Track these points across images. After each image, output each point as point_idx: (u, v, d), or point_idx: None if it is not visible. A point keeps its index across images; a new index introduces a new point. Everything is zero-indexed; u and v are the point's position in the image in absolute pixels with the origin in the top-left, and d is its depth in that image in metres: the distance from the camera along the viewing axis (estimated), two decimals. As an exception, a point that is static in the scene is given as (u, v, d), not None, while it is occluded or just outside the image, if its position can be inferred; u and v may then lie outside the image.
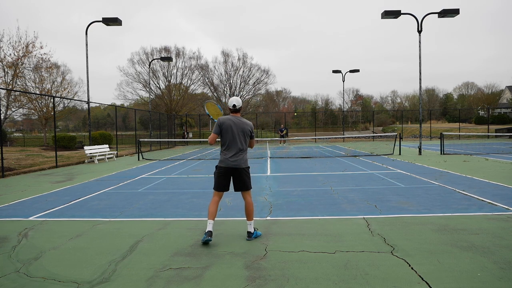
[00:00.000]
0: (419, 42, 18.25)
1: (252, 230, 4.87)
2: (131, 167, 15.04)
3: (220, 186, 4.81)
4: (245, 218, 4.99)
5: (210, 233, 4.64)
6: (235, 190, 4.95)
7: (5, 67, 28.73)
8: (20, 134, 52.73)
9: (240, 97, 42.95)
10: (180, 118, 42.54)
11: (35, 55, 30.43)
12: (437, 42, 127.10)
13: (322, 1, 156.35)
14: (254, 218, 5.10)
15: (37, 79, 33.25)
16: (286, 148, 26.18)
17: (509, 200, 6.99)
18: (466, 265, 3.85)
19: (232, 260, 4.16)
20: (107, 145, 20.35)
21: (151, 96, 36.47)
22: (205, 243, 4.64)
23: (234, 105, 4.81)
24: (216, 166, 4.85)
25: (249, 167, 4.94)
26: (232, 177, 4.83)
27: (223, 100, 44.19)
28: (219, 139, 4.89)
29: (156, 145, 28.73)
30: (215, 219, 5.04)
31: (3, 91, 28.04)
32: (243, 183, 4.84)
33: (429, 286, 3.37)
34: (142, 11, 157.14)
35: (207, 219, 4.77)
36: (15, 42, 30.48)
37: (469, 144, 27.06)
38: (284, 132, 31.67)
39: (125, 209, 6.97)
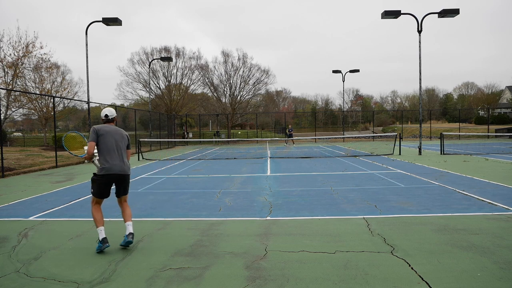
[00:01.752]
0: (419, 42, 18.25)
1: (133, 231, 4.69)
2: (131, 167, 15.04)
3: (104, 193, 4.75)
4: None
5: (105, 240, 4.47)
6: (118, 196, 4.90)
7: (5, 67, 28.72)
8: (20, 134, 52.73)
9: (240, 97, 42.91)
10: (180, 118, 42.53)
11: (35, 55, 30.42)
12: (437, 42, 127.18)
13: (322, 1, 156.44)
14: (254, 218, 5.17)
15: (37, 79, 33.27)
16: (287, 148, 26.18)
17: (509, 200, 6.99)
18: (466, 265, 3.85)
19: (232, 260, 4.16)
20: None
21: (151, 96, 36.48)
22: (102, 251, 4.49)
23: (106, 115, 4.83)
24: (97, 174, 4.66)
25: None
26: (116, 183, 4.78)
27: (223, 100, 44.20)
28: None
29: (156, 145, 28.72)
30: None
31: (3, 91, 28.04)
32: (125, 189, 4.86)
33: (429, 286, 3.37)
34: (141, 11, 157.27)
35: (96, 227, 4.58)
36: (15, 42, 30.36)
37: (469, 144, 27.07)
38: (290, 133, 31.69)
39: (125, 209, 6.96)
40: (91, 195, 4.73)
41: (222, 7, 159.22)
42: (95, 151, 4.70)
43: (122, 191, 4.86)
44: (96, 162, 4.76)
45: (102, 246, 4.45)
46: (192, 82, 43.24)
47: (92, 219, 4.68)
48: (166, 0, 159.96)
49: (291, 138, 29.88)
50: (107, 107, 5.20)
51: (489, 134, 35.94)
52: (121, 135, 4.82)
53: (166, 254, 4.40)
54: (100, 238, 4.48)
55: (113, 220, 6.16)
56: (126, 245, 4.58)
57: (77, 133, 5.78)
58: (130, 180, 4.98)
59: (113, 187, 4.83)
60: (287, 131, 31.80)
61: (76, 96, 37.43)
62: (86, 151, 4.72)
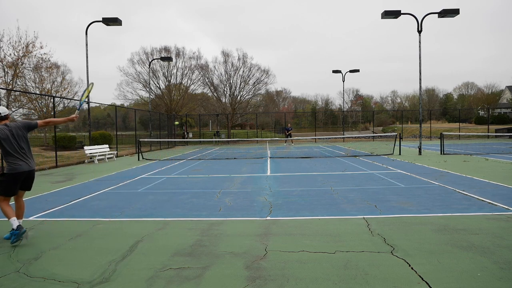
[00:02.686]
0: (419, 42, 18.25)
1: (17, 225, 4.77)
2: (131, 167, 15.04)
3: (14, 191, 4.95)
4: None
5: (20, 227, 4.71)
6: (22, 189, 5.11)
7: (5, 67, 28.72)
8: (20, 134, 52.70)
9: (240, 97, 42.90)
10: (180, 118, 42.53)
11: (35, 55, 30.41)
12: (437, 42, 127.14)
13: (322, 1, 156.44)
14: (254, 218, 5.38)
15: (37, 79, 33.25)
16: (287, 148, 26.19)
17: (509, 200, 6.99)
18: (466, 265, 3.85)
19: (232, 260, 4.16)
20: (107, 145, 20.35)
21: (151, 96, 36.48)
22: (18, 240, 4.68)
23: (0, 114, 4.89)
24: (8, 174, 4.79)
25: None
26: (26, 180, 5.01)
27: (223, 100, 44.21)
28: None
29: (156, 145, 28.72)
30: None
31: (3, 91, 28.04)
32: (30, 184, 5.12)
33: (429, 286, 3.37)
34: (141, 11, 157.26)
35: (12, 218, 4.79)
36: (15, 42, 30.34)
37: (469, 144, 27.07)
38: (289, 132, 31.70)
39: (125, 209, 6.97)
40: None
41: (222, 7, 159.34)
42: None
43: (27, 186, 5.16)
44: None
45: (19, 234, 4.66)
46: (192, 82, 43.28)
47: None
48: (166, 0, 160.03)
49: (290, 138, 29.89)
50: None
51: (489, 134, 35.94)
52: (18, 128, 4.91)
53: (166, 254, 4.40)
54: (15, 226, 4.67)
55: (112, 220, 6.16)
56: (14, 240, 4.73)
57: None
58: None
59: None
60: (285, 130, 31.83)
61: (76, 96, 37.39)
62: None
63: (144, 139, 23.35)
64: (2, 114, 4.91)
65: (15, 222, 4.69)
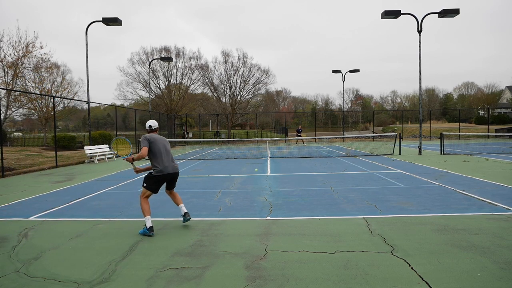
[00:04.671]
0: (419, 42, 18.25)
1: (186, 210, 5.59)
2: (131, 167, 15.04)
3: (157, 189, 5.43)
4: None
5: (152, 228, 5.15)
6: (169, 189, 5.66)
7: (5, 67, 28.72)
8: (20, 134, 52.69)
9: (240, 97, 42.91)
10: (180, 118, 42.52)
11: (35, 55, 30.41)
12: (437, 42, 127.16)
13: (322, 1, 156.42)
14: (254, 218, 5.52)
15: (37, 79, 33.21)
16: (287, 148, 26.19)
17: (509, 200, 6.99)
18: (466, 265, 3.85)
19: (232, 260, 4.16)
20: (107, 145, 20.34)
21: (151, 96, 36.46)
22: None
23: (150, 126, 5.62)
24: (155, 176, 5.34)
25: None
26: (171, 180, 5.54)
27: (223, 100, 44.21)
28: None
29: (156, 145, 28.64)
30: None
31: (3, 91, 28.04)
32: (174, 184, 5.69)
33: (429, 286, 3.37)
34: (141, 11, 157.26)
35: (147, 217, 5.17)
36: (15, 42, 30.36)
37: (469, 144, 27.06)
38: (300, 133, 32.62)
39: (125, 209, 6.97)
40: (143, 188, 5.30)
41: (222, 7, 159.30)
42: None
43: (173, 186, 5.68)
44: (134, 164, 5.57)
45: (148, 233, 5.10)
46: (192, 82, 43.26)
47: (141, 210, 5.25)
48: (166, 0, 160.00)
49: (301, 138, 30.66)
50: (151, 120, 5.79)
51: (489, 134, 35.92)
52: (166, 141, 5.59)
53: (166, 254, 4.40)
54: (148, 226, 5.11)
55: (112, 220, 6.16)
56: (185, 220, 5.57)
57: (125, 138, 6.34)
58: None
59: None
60: (297, 132, 33.02)
61: (76, 96, 37.39)
62: (132, 154, 5.56)
63: (144, 139, 23.30)
64: (153, 127, 5.63)
65: (149, 221, 5.14)
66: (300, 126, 38.19)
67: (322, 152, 21.71)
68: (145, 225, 5.18)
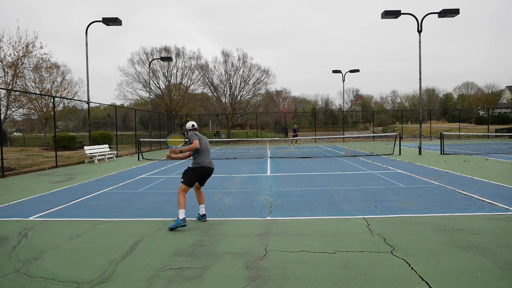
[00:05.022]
0: (419, 42, 18.25)
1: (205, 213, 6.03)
2: (131, 167, 15.05)
3: (194, 182, 5.81)
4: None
5: (185, 220, 5.45)
6: (201, 185, 5.99)
7: (5, 67, 28.71)
8: (20, 134, 52.69)
9: (240, 97, 42.94)
10: (180, 118, 42.52)
11: (35, 55, 30.38)
12: (437, 42, 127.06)
13: (322, 1, 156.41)
14: (254, 218, 5.65)
15: (37, 79, 33.18)
16: (287, 148, 26.20)
17: (509, 200, 6.99)
18: (466, 265, 3.85)
19: (232, 260, 4.16)
20: (107, 145, 20.35)
21: (151, 96, 36.45)
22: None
23: (193, 125, 6.09)
24: (194, 168, 5.76)
25: None
26: (205, 176, 5.93)
27: (223, 100, 44.21)
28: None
29: (156, 145, 28.72)
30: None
31: (3, 91, 28.04)
32: (205, 181, 6.06)
33: (429, 286, 3.37)
34: (141, 11, 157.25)
35: (181, 210, 5.47)
36: (15, 42, 30.32)
37: (469, 144, 27.07)
38: (296, 133, 32.49)
39: (125, 209, 6.97)
40: (182, 184, 5.67)
41: (222, 7, 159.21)
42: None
43: (204, 183, 6.04)
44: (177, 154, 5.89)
45: (181, 224, 5.40)
46: (192, 82, 43.26)
47: (177, 203, 5.59)
48: (166, 0, 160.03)
49: (296, 138, 30.57)
50: (190, 121, 6.23)
51: (489, 134, 35.91)
52: (207, 140, 6.08)
53: (166, 254, 4.40)
54: (181, 218, 5.42)
55: (112, 220, 6.16)
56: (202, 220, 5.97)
57: (179, 134, 6.79)
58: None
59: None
60: (293, 131, 32.84)
61: (76, 96, 37.36)
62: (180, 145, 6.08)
63: (144, 139, 23.36)
64: (195, 126, 6.13)
65: (182, 213, 5.46)
66: (296, 126, 37.90)
67: (322, 152, 21.71)
68: (178, 217, 5.48)
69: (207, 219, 6.00)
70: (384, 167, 13.10)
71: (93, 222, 5.98)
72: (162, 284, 3.54)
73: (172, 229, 5.40)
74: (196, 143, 5.68)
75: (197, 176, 5.81)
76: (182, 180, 5.73)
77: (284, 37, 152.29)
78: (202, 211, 5.99)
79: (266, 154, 20.27)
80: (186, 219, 5.91)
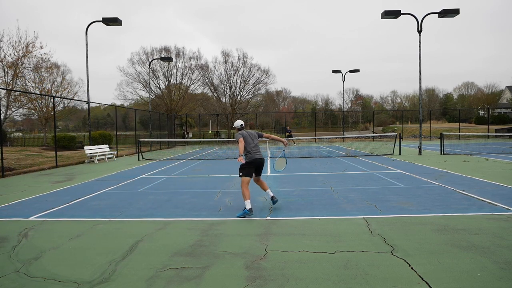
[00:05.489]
0: (419, 42, 18.25)
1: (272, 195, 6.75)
2: (131, 167, 15.05)
3: (251, 173, 6.55)
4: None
5: (252, 210, 6.15)
6: (257, 175, 6.74)
7: (5, 67, 28.71)
8: (20, 134, 52.67)
9: (240, 97, 42.95)
10: (180, 118, 42.52)
11: (35, 55, 30.39)
12: (437, 42, 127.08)
13: (322, 1, 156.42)
14: (254, 218, 5.71)
15: (37, 79, 33.17)
16: (287, 149, 26.17)
17: (509, 200, 6.99)
18: (466, 265, 3.85)
19: (232, 260, 4.16)
20: (107, 145, 20.35)
21: (151, 96, 36.45)
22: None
23: (241, 124, 6.92)
24: (246, 162, 6.52)
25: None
26: (259, 166, 6.68)
27: (223, 100, 44.21)
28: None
29: (156, 145, 28.72)
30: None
31: (3, 91, 28.03)
32: (261, 171, 6.83)
33: (429, 286, 3.37)
34: (141, 11, 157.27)
35: (247, 201, 6.16)
36: (15, 42, 30.36)
37: (469, 144, 27.07)
38: (288, 134, 32.40)
39: (125, 209, 6.97)
40: (241, 177, 6.40)
41: (222, 7, 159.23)
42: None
43: (260, 173, 6.79)
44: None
45: (248, 213, 6.07)
46: (192, 82, 43.27)
47: (242, 195, 6.27)
48: (166, 0, 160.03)
49: (291, 138, 30.37)
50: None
51: (489, 134, 35.91)
52: (252, 135, 6.79)
53: (166, 254, 4.40)
54: (248, 208, 6.09)
55: (112, 220, 6.16)
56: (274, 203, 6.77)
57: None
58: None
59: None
60: (286, 132, 32.63)
61: (76, 96, 37.34)
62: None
63: (144, 139, 23.35)
64: (243, 125, 6.94)
65: (248, 203, 6.14)
66: (288, 127, 37.59)
67: (322, 152, 21.71)
68: (245, 207, 6.11)
69: (207, 218, 6.00)
70: (384, 167, 13.10)
71: (93, 222, 5.98)
72: (162, 284, 3.54)
73: (239, 217, 6.05)
74: (241, 143, 6.46)
75: (252, 168, 6.55)
76: (240, 174, 6.42)
77: (284, 37, 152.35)
78: (270, 194, 6.72)
79: (266, 154, 20.27)
80: (192, 219, 5.92)
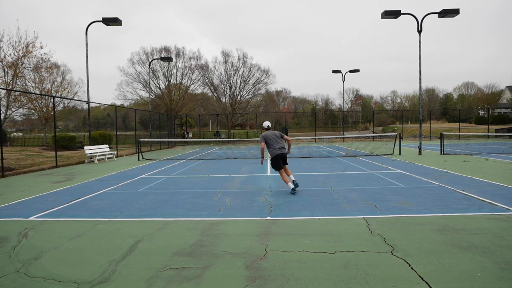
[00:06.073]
0: (419, 42, 18.25)
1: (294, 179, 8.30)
2: (131, 167, 15.04)
3: (279, 165, 8.35)
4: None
5: (294, 188, 8.06)
6: (284, 164, 8.39)
7: (5, 67, 28.71)
8: (20, 134, 52.67)
9: (240, 97, 42.93)
10: (180, 118, 42.51)
11: (35, 55, 30.40)
12: (437, 42, 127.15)
13: (322, 1, 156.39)
14: (254, 218, 5.69)
15: (37, 79, 33.18)
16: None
17: (509, 200, 6.99)
18: (466, 265, 3.85)
19: (232, 260, 4.16)
20: (107, 145, 20.34)
21: (151, 96, 36.44)
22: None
23: (268, 126, 8.77)
24: (271, 158, 8.42)
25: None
26: (281, 158, 8.32)
27: (223, 100, 44.20)
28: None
29: (156, 145, 28.72)
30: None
31: (3, 91, 28.03)
32: (286, 161, 8.50)
33: (429, 286, 3.37)
34: (141, 11, 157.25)
35: (289, 183, 8.11)
36: (15, 42, 30.39)
37: (469, 144, 27.06)
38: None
39: (125, 209, 6.97)
40: (276, 170, 8.48)
41: (222, 7, 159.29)
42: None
43: (285, 162, 8.49)
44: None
45: (292, 192, 8.03)
46: (192, 82, 43.22)
47: (283, 181, 8.27)
48: (166, 0, 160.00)
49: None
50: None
51: (489, 134, 35.90)
52: (275, 135, 8.58)
53: (166, 254, 4.40)
54: (291, 187, 8.05)
55: (112, 220, 6.16)
56: (296, 186, 8.17)
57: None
58: (287, 157, 8.60)
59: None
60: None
61: (76, 96, 37.35)
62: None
63: (144, 139, 23.35)
64: (270, 126, 8.84)
65: (291, 185, 8.04)
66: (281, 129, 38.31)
67: (322, 152, 21.71)
68: (291, 188, 8.02)
69: (207, 218, 5.99)
70: (384, 167, 13.10)
71: (93, 222, 5.98)
72: (162, 284, 3.54)
73: (292, 192, 7.96)
74: (262, 146, 8.51)
75: (278, 161, 8.30)
76: (275, 170, 8.44)
77: (284, 37, 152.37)
78: (292, 178, 8.26)
79: (266, 154, 20.27)
80: (192, 219, 5.92)
